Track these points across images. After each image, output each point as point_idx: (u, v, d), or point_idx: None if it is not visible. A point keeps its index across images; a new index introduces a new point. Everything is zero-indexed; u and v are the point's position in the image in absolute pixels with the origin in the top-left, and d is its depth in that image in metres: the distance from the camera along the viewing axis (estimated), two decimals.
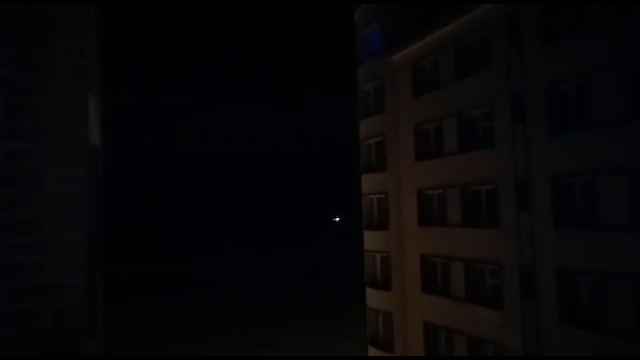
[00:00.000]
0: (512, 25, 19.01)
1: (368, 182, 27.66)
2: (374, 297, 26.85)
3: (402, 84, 25.38)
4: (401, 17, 25.99)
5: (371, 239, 27.34)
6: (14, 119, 2.21)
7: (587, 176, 16.36)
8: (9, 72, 2.20)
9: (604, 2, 15.77)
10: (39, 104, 2.28)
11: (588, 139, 16.24)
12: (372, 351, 26.66)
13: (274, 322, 44.71)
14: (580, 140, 16.54)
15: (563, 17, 17.46)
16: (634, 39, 14.83)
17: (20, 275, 2.21)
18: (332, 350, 36.55)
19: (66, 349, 2.29)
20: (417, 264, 24.22)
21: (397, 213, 25.52)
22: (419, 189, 24.19)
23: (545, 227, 17.73)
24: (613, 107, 15.46)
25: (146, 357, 36.58)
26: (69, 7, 2.36)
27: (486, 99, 20.26)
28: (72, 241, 2.35)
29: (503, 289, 19.53)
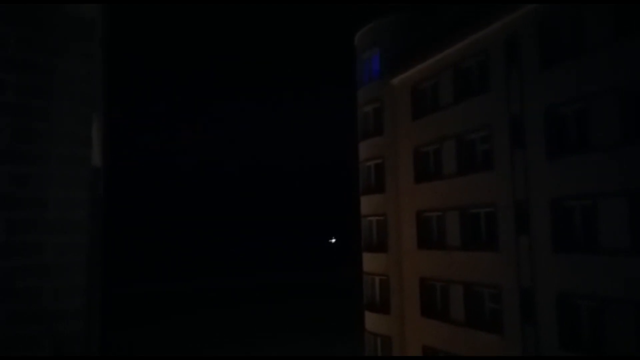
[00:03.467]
0: (511, 49, 19.21)
1: (367, 204, 27.64)
2: (372, 321, 26.61)
3: (401, 107, 25.54)
4: (401, 41, 26.28)
5: (370, 262, 27.21)
6: (19, 143, 2.22)
7: (587, 199, 16.37)
8: (15, 97, 2.22)
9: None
10: (43, 128, 2.28)
11: (587, 163, 16.28)
12: None
13: (272, 345, 44.24)
14: (579, 164, 16.59)
15: (562, 42, 17.65)
16: (632, 63, 14.98)
17: (20, 299, 2.19)
18: None
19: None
20: (416, 287, 24.07)
21: (396, 235, 25.46)
22: (418, 211, 24.17)
23: (545, 250, 17.67)
24: (612, 131, 15.54)
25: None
26: (77, 33, 2.39)
27: (485, 122, 20.37)
28: (73, 265, 2.34)
29: (503, 313, 19.38)
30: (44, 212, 2.24)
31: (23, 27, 2.24)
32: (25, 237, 2.19)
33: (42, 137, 2.26)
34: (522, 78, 18.73)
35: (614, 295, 15.31)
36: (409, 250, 24.68)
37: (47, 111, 2.27)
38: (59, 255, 2.26)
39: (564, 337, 16.98)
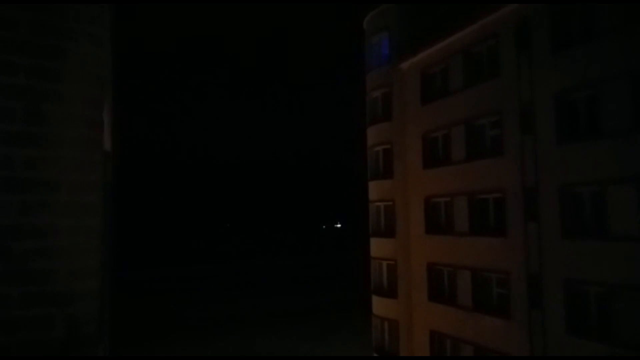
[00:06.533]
0: (522, 33, 18.98)
1: (375, 189, 27.63)
2: (380, 305, 26.75)
3: (410, 92, 25.38)
4: (410, 25, 26.04)
5: (378, 246, 27.27)
6: (31, 126, 2.24)
7: (596, 186, 16.27)
8: (27, 80, 2.23)
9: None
10: (55, 111, 2.30)
11: (597, 149, 16.16)
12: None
13: (278, 328, 44.63)
14: (589, 150, 16.46)
15: (573, 26, 17.43)
16: None
17: (34, 281, 2.22)
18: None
19: (78, 356, 2.30)
20: (423, 272, 24.13)
21: (404, 221, 25.47)
22: (427, 196, 24.13)
23: (553, 236, 17.62)
24: (623, 117, 15.39)
25: (146, 357, 36.73)
26: (87, 16, 2.39)
27: (495, 107, 20.22)
28: (86, 248, 2.36)
29: (510, 298, 19.41)
30: (58, 195, 2.26)
31: (35, 11, 2.24)
32: (39, 220, 2.21)
33: (54, 120, 2.27)
34: (533, 63, 18.53)
35: (622, 281, 15.28)
36: (417, 236, 24.70)
37: (59, 94, 2.28)
38: (72, 238, 2.29)
39: (571, 322, 17.00)
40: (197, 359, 36.79)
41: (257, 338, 41.54)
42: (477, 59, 21.66)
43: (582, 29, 17.00)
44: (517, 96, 19.15)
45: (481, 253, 20.74)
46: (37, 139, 2.23)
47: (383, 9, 27.25)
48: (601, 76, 16.00)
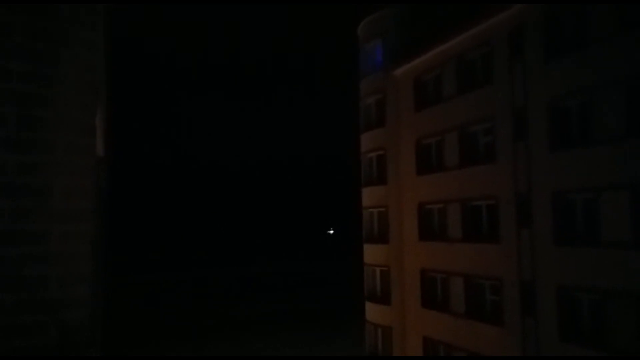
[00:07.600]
0: (516, 41, 19.11)
1: (369, 196, 27.65)
2: (373, 311, 26.71)
3: (404, 98, 25.47)
4: (404, 32, 26.16)
5: (371, 253, 27.27)
6: (24, 131, 2.23)
7: (589, 193, 16.35)
8: (21, 85, 2.22)
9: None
10: (48, 117, 2.29)
11: (590, 156, 16.25)
12: None
13: (270, 335, 44.45)
14: (582, 157, 16.55)
15: (566, 34, 17.56)
16: (638, 56, 14.90)
17: (27, 288, 2.20)
18: None
19: (71, 356, 2.28)
20: (417, 279, 24.13)
21: (398, 227, 25.49)
22: (420, 203, 24.17)
23: (546, 243, 17.68)
24: (616, 124, 15.49)
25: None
26: (81, 21, 2.39)
27: (488, 114, 20.31)
28: (78, 254, 2.35)
29: (503, 305, 19.44)
30: (50, 200, 2.25)
31: (29, 16, 2.24)
32: (32, 225, 2.20)
33: (48, 126, 2.26)
34: (526, 70, 18.65)
35: (615, 288, 15.33)
36: (410, 242, 24.71)
37: (52, 99, 2.28)
38: (64, 244, 2.27)
39: (564, 329, 17.04)
40: (196, 359, 36.71)
41: (255, 344, 41.40)
42: (471, 65, 21.76)
43: (576, 37, 17.12)
44: (511, 103, 19.25)
45: (474, 260, 20.77)
46: (30, 144, 2.22)
47: (377, 16, 27.37)
48: (594, 83, 16.11)
